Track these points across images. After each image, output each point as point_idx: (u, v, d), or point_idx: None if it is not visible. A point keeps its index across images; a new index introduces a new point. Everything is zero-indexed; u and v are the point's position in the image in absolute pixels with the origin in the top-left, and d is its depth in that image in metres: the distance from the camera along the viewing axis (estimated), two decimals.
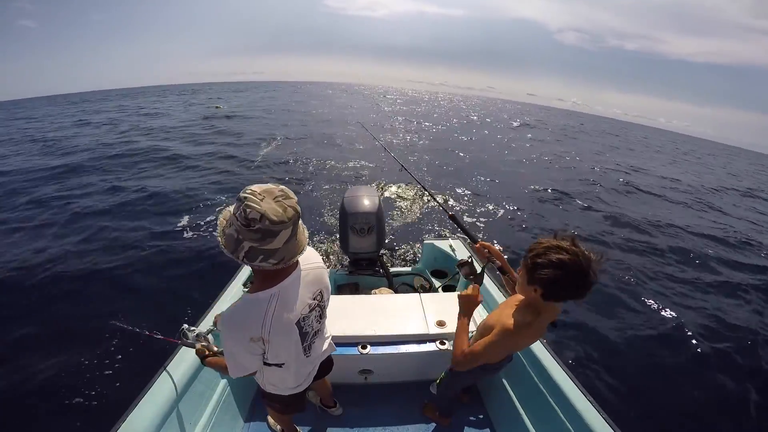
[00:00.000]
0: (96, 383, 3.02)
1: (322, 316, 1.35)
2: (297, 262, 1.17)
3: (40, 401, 2.92)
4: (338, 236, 3.06)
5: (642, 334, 4.09)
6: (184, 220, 6.29)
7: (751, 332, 4.31)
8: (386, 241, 3.63)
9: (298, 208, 1.02)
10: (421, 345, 1.98)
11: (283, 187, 1.02)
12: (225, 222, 1.04)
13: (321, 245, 5.54)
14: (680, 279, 5.63)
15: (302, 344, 1.26)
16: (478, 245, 1.67)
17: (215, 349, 1.50)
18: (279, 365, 1.26)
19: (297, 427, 1.95)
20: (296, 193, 1.02)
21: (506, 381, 2.08)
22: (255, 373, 1.23)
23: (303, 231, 1.13)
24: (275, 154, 12.01)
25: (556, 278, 1.09)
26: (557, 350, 1.91)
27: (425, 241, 3.38)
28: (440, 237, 5.67)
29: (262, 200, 0.94)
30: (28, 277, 4.49)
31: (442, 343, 1.97)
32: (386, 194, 8.11)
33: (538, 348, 1.91)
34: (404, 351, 1.95)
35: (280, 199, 0.98)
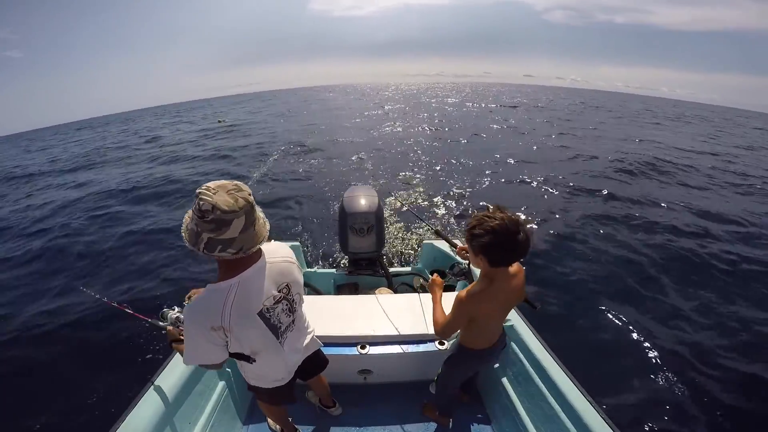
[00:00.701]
0: (95, 383, 3.05)
1: (291, 310, 1.37)
2: (260, 254, 1.22)
3: (40, 400, 2.96)
4: (338, 236, 3.07)
5: (643, 325, 3.86)
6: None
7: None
8: (386, 241, 3.61)
9: (251, 199, 1.09)
10: (421, 345, 1.99)
11: (237, 182, 1.09)
12: (188, 219, 1.10)
13: (321, 245, 5.57)
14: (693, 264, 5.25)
15: (271, 336, 1.29)
16: (458, 249, 1.80)
17: None
18: (249, 358, 1.29)
19: (296, 427, 1.98)
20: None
21: (506, 381, 2.07)
22: (219, 366, 1.24)
23: (264, 223, 1.18)
24: (277, 161, 12.13)
25: (490, 243, 1.25)
26: (557, 348, 1.88)
27: (424, 241, 3.39)
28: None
29: (214, 194, 1.02)
30: (39, 295, 4.63)
31: (441, 344, 1.97)
32: (385, 194, 8.11)
33: (537, 347, 1.90)
34: (403, 351, 1.96)
35: (232, 191, 1.04)
